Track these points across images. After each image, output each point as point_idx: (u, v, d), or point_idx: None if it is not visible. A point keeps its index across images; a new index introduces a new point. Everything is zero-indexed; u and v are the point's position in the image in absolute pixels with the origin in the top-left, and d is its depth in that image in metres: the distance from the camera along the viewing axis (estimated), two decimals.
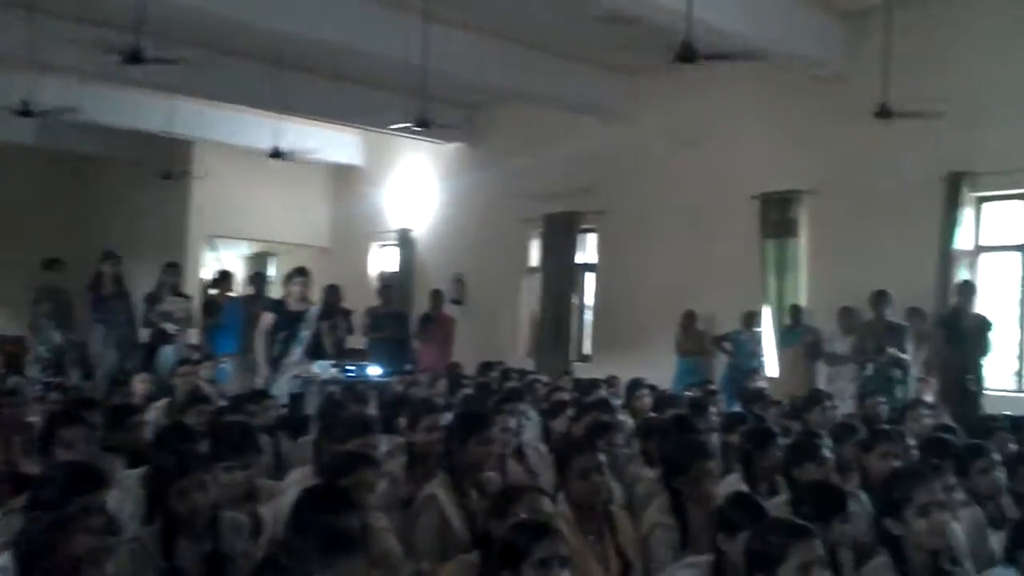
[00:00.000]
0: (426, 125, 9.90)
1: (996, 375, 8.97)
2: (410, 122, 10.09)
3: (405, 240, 15.77)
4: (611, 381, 8.89)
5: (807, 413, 6.28)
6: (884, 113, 9.61)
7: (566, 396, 7.14)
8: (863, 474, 4.40)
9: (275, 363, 7.98)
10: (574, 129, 13.09)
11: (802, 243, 10.72)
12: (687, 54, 7.67)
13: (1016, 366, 9.27)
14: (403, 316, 13.00)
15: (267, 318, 8.20)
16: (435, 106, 10.52)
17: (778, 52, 9.90)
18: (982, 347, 7.85)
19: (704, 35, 7.88)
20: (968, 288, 8.30)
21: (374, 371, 8.63)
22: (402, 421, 4.84)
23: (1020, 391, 8.96)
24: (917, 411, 6.45)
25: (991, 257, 9.59)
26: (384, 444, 4.65)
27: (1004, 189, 9.31)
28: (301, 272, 8.53)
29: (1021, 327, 9.17)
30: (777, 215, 10.86)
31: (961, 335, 7.92)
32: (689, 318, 11.26)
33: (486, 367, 10.54)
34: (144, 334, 10.54)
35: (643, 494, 4.33)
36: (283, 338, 8.06)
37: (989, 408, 7.89)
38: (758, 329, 10.78)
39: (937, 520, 2.89)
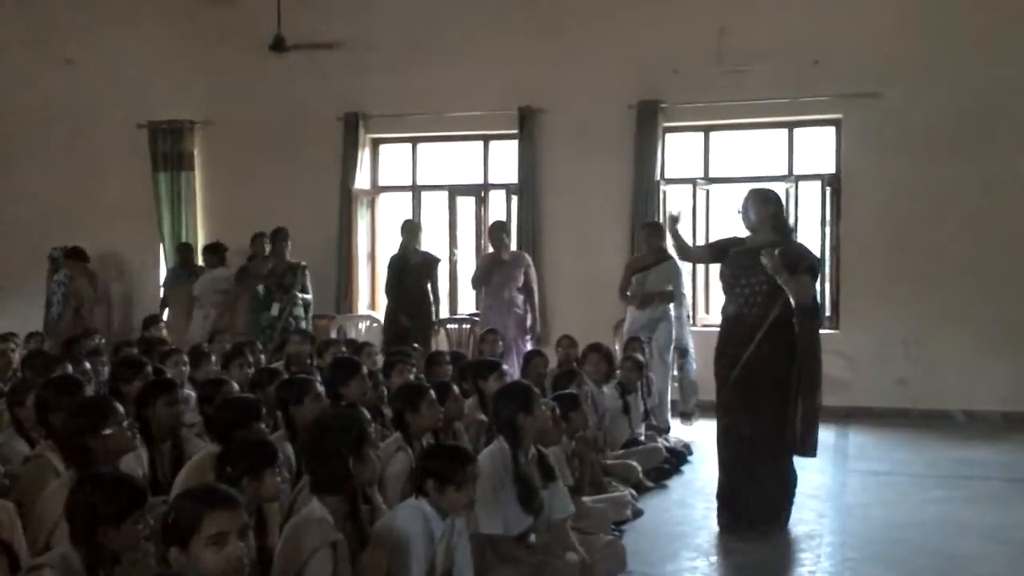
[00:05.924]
0: None
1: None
2: None
3: None
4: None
5: (227, 370, 5.83)
6: (279, 46, 9.45)
7: None
8: (288, 418, 4.19)
9: None
10: None
11: (197, 177, 10.07)
12: None
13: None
14: None
15: None
16: None
17: None
18: (432, 279, 8.35)
19: None
20: (413, 227, 8.53)
21: None
22: None
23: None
24: (337, 348, 6.51)
25: (389, 197, 9.94)
26: None
27: (395, 132, 9.66)
28: None
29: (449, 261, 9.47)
30: (168, 146, 10.02)
31: (409, 271, 8.25)
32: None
33: None
34: None
35: None
36: None
37: None
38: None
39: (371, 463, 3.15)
